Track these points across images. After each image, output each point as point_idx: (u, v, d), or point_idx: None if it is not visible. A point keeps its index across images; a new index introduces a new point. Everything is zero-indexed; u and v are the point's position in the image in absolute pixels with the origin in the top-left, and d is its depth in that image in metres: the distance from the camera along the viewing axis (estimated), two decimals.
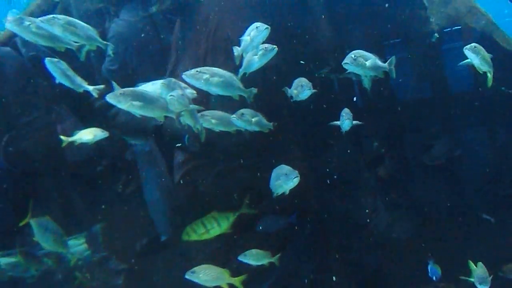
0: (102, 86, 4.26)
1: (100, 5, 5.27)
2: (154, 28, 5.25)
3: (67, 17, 3.87)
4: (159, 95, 3.93)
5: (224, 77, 4.02)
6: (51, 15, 3.82)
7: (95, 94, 4.23)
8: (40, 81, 5.16)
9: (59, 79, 4.12)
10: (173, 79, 3.86)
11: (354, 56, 4.18)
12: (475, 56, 4.29)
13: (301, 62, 5.00)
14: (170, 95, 3.77)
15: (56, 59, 4.08)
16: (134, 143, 5.43)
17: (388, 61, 4.29)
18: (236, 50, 4.10)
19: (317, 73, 5.23)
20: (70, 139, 4.53)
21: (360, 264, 5.66)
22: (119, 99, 3.81)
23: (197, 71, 3.90)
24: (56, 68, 4.07)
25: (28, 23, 3.88)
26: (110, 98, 3.83)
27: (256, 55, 4.09)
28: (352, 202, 5.61)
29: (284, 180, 4.06)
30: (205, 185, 5.28)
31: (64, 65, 4.10)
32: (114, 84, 3.92)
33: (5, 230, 5.69)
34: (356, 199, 5.63)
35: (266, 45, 4.07)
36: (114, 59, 5.27)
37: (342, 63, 4.20)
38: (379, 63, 4.28)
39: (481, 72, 4.42)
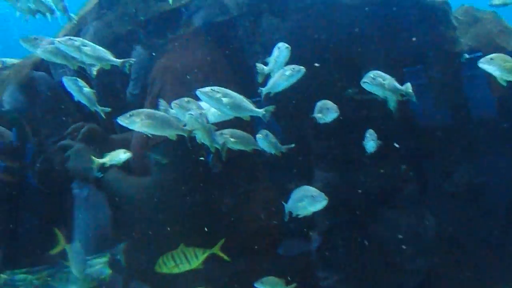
0: (108, 109, 4.36)
1: (129, 27, 5.40)
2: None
3: (83, 39, 4.06)
4: (170, 115, 3.96)
5: (234, 98, 3.92)
6: (68, 37, 4.03)
7: (102, 115, 4.32)
8: (69, 102, 5.29)
9: (77, 97, 4.26)
10: (186, 99, 3.84)
11: (373, 75, 4.12)
12: (493, 68, 4.05)
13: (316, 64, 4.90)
14: (189, 114, 3.76)
15: (73, 77, 4.24)
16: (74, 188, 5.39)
17: (406, 84, 4.23)
18: (260, 68, 4.13)
19: (346, 93, 5.18)
20: (101, 160, 4.56)
21: None
22: (130, 120, 3.87)
23: (211, 89, 3.87)
24: (73, 86, 4.23)
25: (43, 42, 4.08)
26: (121, 120, 3.89)
27: (283, 75, 4.09)
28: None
29: (310, 202, 3.98)
30: (228, 206, 5.25)
31: (81, 83, 4.24)
32: None
33: (33, 248, 5.79)
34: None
35: (294, 65, 4.07)
36: (136, 83, 5.36)
37: (361, 82, 4.14)
38: (397, 85, 4.21)
39: (504, 84, 4.16)
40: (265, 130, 4.37)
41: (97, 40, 5.37)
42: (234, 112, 3.98)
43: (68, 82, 4.23)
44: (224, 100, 3.85)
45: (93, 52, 4.02)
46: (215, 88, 3.88)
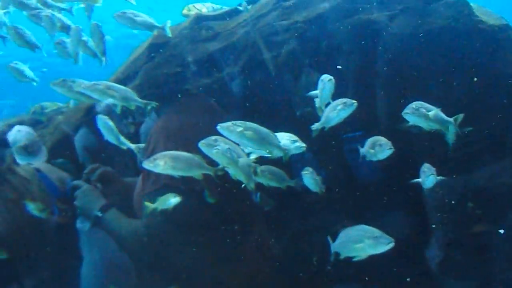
0: (142, 145, 4.56)
1: (177, 69, 5.47)
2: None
3: (107, 82, 4.35)
4: (194, 156, 3.98)
5: (259, 131, 3.80)
6: (93, 82, 4.32)
7: (137, 152, 4.50)
8: None
9: (107, 136, 4.47)
10: (213, 137, 3.74)
11: (416, 106, 3.93)
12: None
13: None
14: (215, 149, 3.66)
15: (105, 117, 4.44)
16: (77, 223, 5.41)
17: (454, 117, 4.02)
18: (317, 102, 4.13)
19: (399, 126, 4.90)
20: (153, 206, 4.58)
21: None
22: (155, 164, 3.96)
23: (232, 123, 3.76)
24: (104, 125, 4.47)
25: (71, 84, 4.49)
26: (146, 165, 4.00)
27: (335, 110, 4.00)
28: None
29: (371, 245, 3.71)
30: (278, 248, 5.02)
31: (111, 123, 4.49)
32: None
33: None
34: None
35: (346, 99, 3.99)
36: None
37: (402, 113, 3.97)
38: (444, 116, 3.99)
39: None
40: (308, 168, 4.27)
41: (147, 81, 5.50)
42: (260, 147, 3.79)
43: (100, 122, 4.46)
44: (247, 133, 3.72)
45: (119, 93, 4.28)
46: (237, 122, 3.77)
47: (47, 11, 5.29)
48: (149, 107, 4.50)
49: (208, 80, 5.37)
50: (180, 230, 4.85)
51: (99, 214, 5.12)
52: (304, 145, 3.96)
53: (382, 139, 4.12)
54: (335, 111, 3.97)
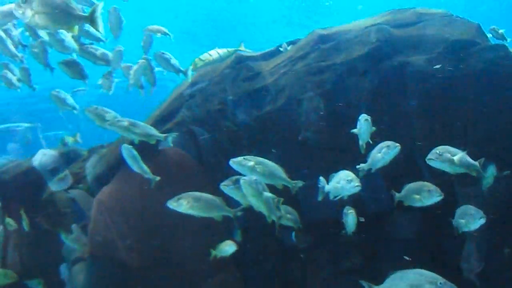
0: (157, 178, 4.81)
1: (219, 106, 5.65)
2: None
3: (131, 120, 4.77)
4: (216, 198, 4.26)
5: (268, 166, 4.07)
6: (117, 118, 4.79)
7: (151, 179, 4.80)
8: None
9: (131, 164, 4.77)
10: (233, 177, 3.98)
11: (439, 151, 3.97)
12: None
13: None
14: (243, 179, 3.78)
15: (130, 146, 4.77)
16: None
17: (479, 160, 4.03)
18: (362, 140, 4.31)
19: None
20: (214, 252, 4.79)
21: None
22: (178, 203, 4.22)
23: (243, 158, 4.03)
24: (129, 154, 4.75)
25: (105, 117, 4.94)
26: (170, 204, 4.25)
27: (379, 153, 4.18)
28: None
29: None
30: None
31: (135, 152, 4.78)
32: None
33: None
34: None
35: (389, 142, 4.16)
36: None
37: (426, 159, 4.04)
38: (470, 160, 4.00)
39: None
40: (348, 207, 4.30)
41: (188, 118, 5.71)
42: (268, 180, 4.05)
43: (125, 151, 4.75)
44: (258, 167, 3.99)
45: (140, 130, 4.72)
46: (248, 156, 4.05)
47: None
48: (170, 138, 4.91)
49: (247, 118, 5.51)
50: None
51: (70, 265, 5.67)
52: (359, 184, 4.02)
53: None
54: (380, 154, 4.13)
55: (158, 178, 4.80)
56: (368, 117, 4.29)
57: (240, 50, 6.23)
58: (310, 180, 4.38)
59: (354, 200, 4.36)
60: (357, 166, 4.26)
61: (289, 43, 5.95)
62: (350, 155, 4.94)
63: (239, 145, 5.48)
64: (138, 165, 4.79)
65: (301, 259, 5.23)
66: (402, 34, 5.45)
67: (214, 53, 5.94)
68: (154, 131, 4.86)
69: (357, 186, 3.98)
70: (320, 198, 4.14)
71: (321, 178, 4.20)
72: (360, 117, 4.31)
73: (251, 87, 5.62)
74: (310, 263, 5.10)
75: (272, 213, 4.00)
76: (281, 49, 5.90)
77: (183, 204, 4.24)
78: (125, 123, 4.72)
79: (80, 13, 3.34)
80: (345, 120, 5.15)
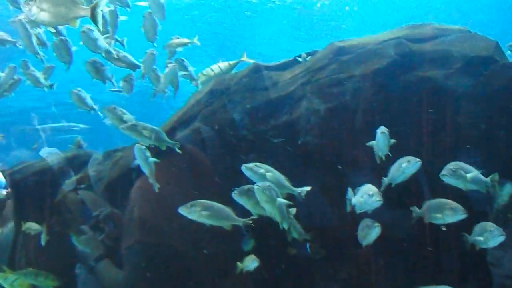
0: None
1: (236, 115, 5.69)
2: None
3: (144, 124, 4.92)
4: (225, 207, 4.34)
5: (276, 174, 4.23)
6: (131, 123, 4.93)
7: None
8: None
9: (142, 166, 4.84)
10: (246, 187, 4.05)
11: (454, 168, 3.99)
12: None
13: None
14: (256, 185, 3.82)
15: (143, 147, 4.83)
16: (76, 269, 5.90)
17: (491, 176, 4.07)
18: (381, 153, 4.34)
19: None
20: (240, 266, 4.78)
21: None
22: (190, 210, 4.32)
23: (255, 165, 4.21)
24: (141, 155, 4.79)
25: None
26: (182, 210, 4.34)
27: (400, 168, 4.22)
28: None
29: None
30: None
31: (148, 153, 4.85)
32: None
33: None
34: None
35: (410, 157, 4.21)
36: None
37: (440, 175, 4.08)
38: (481, 177, 4.05)
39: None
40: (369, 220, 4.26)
41: (208, 123, 5.74)
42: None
43: (136, 150, 4.82)
44: (268, 175, 4.11)
45: (153, 134, 4.84)
46: (259, 164, 4.19)
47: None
48: (177, 147, 5.07)
49: (264, 127, 5.54)
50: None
51: (93, 264, 5.66)
52: (380, 199, 4.05)
53: (453, 203, 4.14)
54: (400, 169, 4.17)
55: (158, 186, 4.89)
56: (386, 130, 4.33)
57: (244, 61, 6.28)
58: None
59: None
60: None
61: (307, 54, 5.99)
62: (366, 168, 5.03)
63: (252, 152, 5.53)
64: (148, 167, 4.86)
65: (311, 271, 5.24)
66: (421, 49, 5.47)
67: (216, 68, 6.00)
68: (165, 137, 5.04)
69: (378, 200, 4.00)
70: (348, 210, 4.17)
71: (349, 189, 4.23)
72: (377, 130, 4.34)
73: (269, 97, 5.66)
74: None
75: (284, 220, 4.06)
76: (300, 59, 5.94)
77: (195, 212, 4.33)
78: (139, 127, 4.86)
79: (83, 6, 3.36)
80: (360, 131, 5.23)
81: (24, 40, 5.54)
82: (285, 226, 4.12)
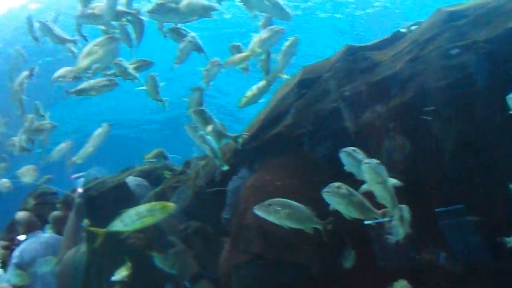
0: None
1: (333, 105, 4.93)
2: None
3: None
4: (306, 207, 3.83)
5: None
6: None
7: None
8: None
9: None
10: (335, 184, 3.56)
11: None
12: None
13: None
14: (365, 163, 3.31)
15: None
16: None
17: None
18: None
19: None
20: None
21: None
22: (268, 210, 3.80)
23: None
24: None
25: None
26: (257, 210, 3.85)
27: None
28: None
29: None
30: None
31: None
32: None
33: None
34: None
35: None
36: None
37: None
38: None
39: None
40: None
41: (299, 120, 5.02)
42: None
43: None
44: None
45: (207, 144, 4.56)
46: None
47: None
48: (239, 140, 4.76)
49: (370, 115, 4.73)
50: None
51: (189, 285, 4.93)
52: None
53: None
54: None
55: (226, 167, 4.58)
56: None
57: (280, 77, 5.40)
58: None
59: None
60: None
61: (411, 25, 5.12)
62: None
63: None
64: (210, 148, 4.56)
65: None
66: None
67: (255, 88, 5.26)
68: (227, 132, 4.75)
69: None
70: None
71: None
72: None
73: (371, 80, 4.84)
74: None
75: (395, 207, 3.51)
76: (403, 29, 5.06)
77: (274, 212, 3.81)
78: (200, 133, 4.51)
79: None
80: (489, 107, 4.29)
81: None
82: (396, 218, 3.56)
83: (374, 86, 4.80)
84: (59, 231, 7.06)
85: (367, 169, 3.33)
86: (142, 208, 4.23)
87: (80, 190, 7.70)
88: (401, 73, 4.72)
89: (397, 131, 4.53)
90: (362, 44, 5.26)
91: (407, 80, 4.68)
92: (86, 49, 4.58)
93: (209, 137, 4.63)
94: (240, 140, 4.88)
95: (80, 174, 7.27)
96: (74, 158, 5.85)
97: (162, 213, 4.16)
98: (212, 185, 5.39)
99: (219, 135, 4.70)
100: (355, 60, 5.04)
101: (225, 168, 5.00)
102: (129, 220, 4.19)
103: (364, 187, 3.53)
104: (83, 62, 4.50)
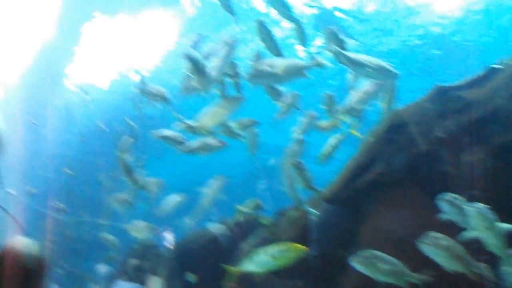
0: None
1: (426, 147, 4.78)
2: None
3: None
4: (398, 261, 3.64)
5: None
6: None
7: None
8: None
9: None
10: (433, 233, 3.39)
11: None
12: None
13: None
14: (473, 207, 3.12)
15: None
16: None
17: None
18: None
19: None
20: None
21: None
22: (368, 263, 3.67)
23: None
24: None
25: None
26: (354, 262, 3.74)
27: None
28: None
29: None
30: None
31: None
32: None
33: None
34: None
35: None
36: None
37: None
38: None
39: None
40: None
41: (389, 166, 4.93)
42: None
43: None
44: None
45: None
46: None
47: None
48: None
49: (471, 157, 4.50)
50: None
51: None
52: None
53: None
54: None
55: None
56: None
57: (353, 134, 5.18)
58: None
59: None
60: None
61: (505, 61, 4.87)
62: None
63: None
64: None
65: None
66: None
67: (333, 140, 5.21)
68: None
69: None
70: None
71: None
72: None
73: (467, 119, 4.65)
74: None
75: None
76: (498, 66, 4.83)
77: (372, 266, 3.68)
78: None
79: None
80: None
81: None
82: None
83: (471, 125, 4.60)
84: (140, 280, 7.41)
85: (474, 213, 3.14)
86: (274, 249, 4.19)
87: (168, 243, 8.01)
88: (502, 109, 4.49)
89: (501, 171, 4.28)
90: (449, 85, 5.09)
91: (508, 117, 4.45)
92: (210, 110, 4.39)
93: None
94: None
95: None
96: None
97: (296, 254, 4.11)
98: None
99: (310, 188, 4.76)
100: (446, 101, 4.89)
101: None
102: (261, 261, 4.14)
103: (468, 234, 3.35)
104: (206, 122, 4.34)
